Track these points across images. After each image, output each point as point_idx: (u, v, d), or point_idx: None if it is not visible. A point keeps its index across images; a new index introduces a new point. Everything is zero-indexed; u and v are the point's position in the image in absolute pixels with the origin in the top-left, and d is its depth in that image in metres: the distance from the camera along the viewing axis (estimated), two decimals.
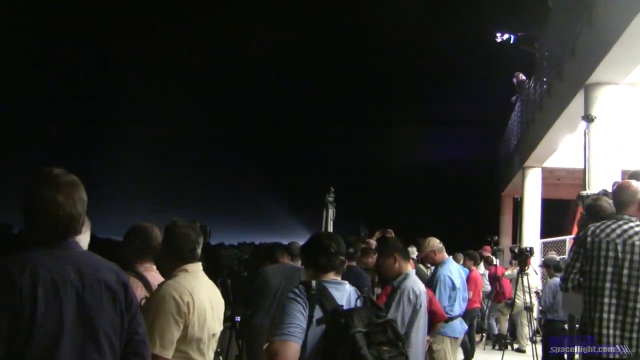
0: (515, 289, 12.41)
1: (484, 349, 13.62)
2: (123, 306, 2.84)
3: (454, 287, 7.50)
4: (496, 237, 14.77)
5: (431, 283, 7.61)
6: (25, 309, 2.51)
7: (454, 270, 7.75)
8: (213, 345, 4.08)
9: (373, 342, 3.31)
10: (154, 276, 4.42)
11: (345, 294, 3.65)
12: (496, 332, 14.26)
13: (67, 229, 2.75)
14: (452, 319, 7.40)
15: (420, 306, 5.38)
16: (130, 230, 4.62)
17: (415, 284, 5.51)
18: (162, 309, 3.70)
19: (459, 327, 7.56)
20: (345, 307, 3.51)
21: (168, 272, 4.08)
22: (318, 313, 3.45)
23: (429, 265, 10.41)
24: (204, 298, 3.94)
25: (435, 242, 7.82)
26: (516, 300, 12.49)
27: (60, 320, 2.59)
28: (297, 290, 3.53)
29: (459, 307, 7.58)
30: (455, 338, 7.52)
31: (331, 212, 8.01)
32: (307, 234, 4.15)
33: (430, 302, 6.49)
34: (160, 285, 3.96)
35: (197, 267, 4.07)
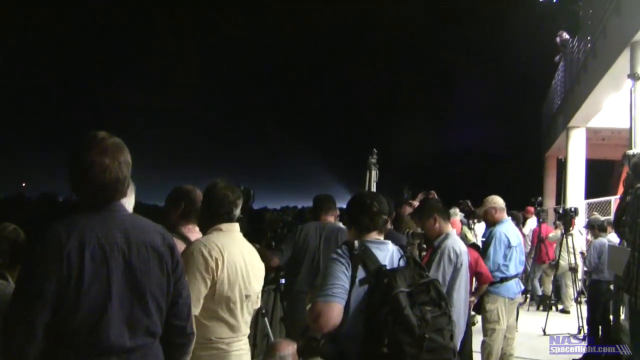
0: (560, 250, 12.30)
1: (528, 310, 13.57)
2: (170, 268, 2.87)
3: (509, 245, 7.44)
4: (540, 198, 14.60)
5: (487, 241, 7.57)
6: (73, 273, 2.55)
7: (511, 229, 7.68)
8: (249, 308, 4.08)
9: (416, 302, 3.31)
10: (198, 237, 4.46)
11: (388, 253, 3.65)
12: (540, 293, 14.18)
13: (113, 191, 2.76)
14: (507, 279, 7.38)
15: (461, 265, 5.37)
16: (173, 192, 4.62)
17: (456, 244, 5.50)
18: (189, 265, 3.71)
19: (514, 287, 7.49)
20: (388, 267, 3.51)
21: (205, 231, 4.12)
22: (361, 273, 3.46)
23: (472, 227, 10.35)
24: (237, 257, 3.95)
25: (498, 200, 7.73)
26: (560, 261, 12.39)
27: (107, 283, 2.63)
28: (339, 251, 3.54)
29: (514, 268, 7.51)
30: (511, 299, 7.48)
31: (374, 173, 7.86)
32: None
33: (476, 263, 6.48)
34: (192, 242, 3.99)
35: (232, 227, 4.09)
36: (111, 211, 2.77)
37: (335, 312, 3.35)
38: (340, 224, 6.94)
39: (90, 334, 2.60)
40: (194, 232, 4.49)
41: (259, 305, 4.35)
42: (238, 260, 3.95)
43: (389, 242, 3.76)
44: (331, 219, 6.87)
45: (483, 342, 7.38)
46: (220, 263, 3.82)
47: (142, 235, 2.80)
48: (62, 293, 2.54)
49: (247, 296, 3.99)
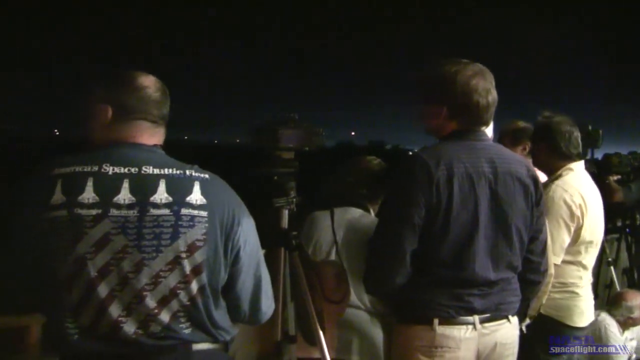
0: None
1: None
2: (534, 201, 2.76)
3: None
4: None
5: None
6: (442, 202, 2.53)
7: None
8: (591, 255, 3.84)
9: None
10: None
11: None
12: None
13: (486, 117, 2.73)
14: None
15: None
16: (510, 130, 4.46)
17: None
18: (552, 212, 3.53)
19: None
20: None
21: (552, 171, 3.85)
22: None
23: None
24: (593, 199, 3.76)
25: None
26: None
27: (475, 214, 2.59)
28: None
29: None
30: None
31: None
32: None
33: None
34: (547, 185, 3.69)
35: (580, 166, 3.85)
36: (477, 140, 2.72)
37: None
38: None
39: (455, 264, 2.60)
40: None
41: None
42: (595, 202, 3.77)
43: None
44: None
45: None
46: (584, 209, 3.62)
47: (508, 165, 2.69)
48: (431, 222, 2.55)
49: (590, 242, 3.77)
